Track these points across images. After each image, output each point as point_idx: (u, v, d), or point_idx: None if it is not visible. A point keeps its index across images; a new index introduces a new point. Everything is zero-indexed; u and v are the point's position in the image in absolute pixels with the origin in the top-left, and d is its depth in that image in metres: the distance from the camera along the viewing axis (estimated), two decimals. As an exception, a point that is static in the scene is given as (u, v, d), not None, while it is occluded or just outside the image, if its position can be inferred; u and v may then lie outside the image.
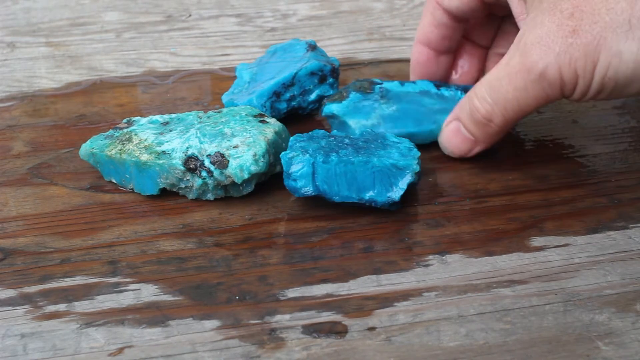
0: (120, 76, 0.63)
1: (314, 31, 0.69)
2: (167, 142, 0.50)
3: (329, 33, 0.69)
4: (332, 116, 0.53)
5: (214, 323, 0.42)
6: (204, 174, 0.48)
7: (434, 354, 0.41)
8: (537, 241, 0.48)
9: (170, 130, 0.51)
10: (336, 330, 0.42)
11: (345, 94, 0.54)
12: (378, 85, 0.54)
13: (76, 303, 0.43)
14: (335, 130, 0.53)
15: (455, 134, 0.51)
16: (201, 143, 0.49)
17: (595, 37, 0.44)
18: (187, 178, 0.49)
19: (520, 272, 0.45)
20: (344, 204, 0.49)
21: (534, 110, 0.48)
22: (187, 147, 0.49)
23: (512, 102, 0.48)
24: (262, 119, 0.51)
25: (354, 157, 0.48)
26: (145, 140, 0.50)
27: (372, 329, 0.42)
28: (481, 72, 0.57)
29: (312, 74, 0.55)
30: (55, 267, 0.46)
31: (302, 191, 0.48)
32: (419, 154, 0.49)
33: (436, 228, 0.48)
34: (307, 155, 0.48)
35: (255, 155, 0.48)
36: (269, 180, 0.50)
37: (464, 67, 0.57)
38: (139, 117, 0.53)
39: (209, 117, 0.51)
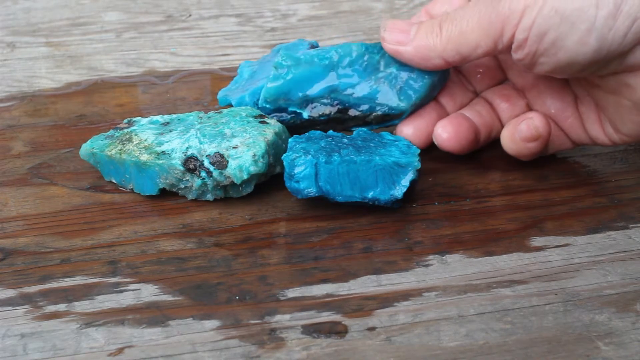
0: (120, 76, 0.63)
1: (314, 31, 0.69)
2: (167, 142, 0.50)
3: (329, 33, 0.69)
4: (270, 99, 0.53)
5: (214, 323, 0.42)
6: (203, 174, 0.48)
7: (434, 354, 0.41)
8: (537, 241, 0.48)
9: (171, 131, 0.51)
10: (336, 330, 0.42)
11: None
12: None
13: (76, 303, 0.43)
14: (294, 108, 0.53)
15: (404, 24, 0.50)
16: (201, 143, 0.49)
17: None
18: (187, 178, 0.49)
19: (520, 272, 0.46)
20: (345, 204, 0.49)
21: (472, 49, 0.47)
22: (187, 148, 0.49)
23: (462, 20, 0.47)
24: (262, 119, 0.51)
25: (356, 156, 0.48)
26: (146, 140, 0.50)
27: (372, 329, 0.42)
28: None
29: None
30: (55, 267, 0.46)
31: (305, 192, 0.48)
32: (418, 150, 0.49)
33: (436, 228, 0.48)
34: (310, 156, 0.48)
35: (254, 155, 0.48)
36: (269, 180, 0.50)
37: None
38: (139, 117, 0.53)
39: (209, 117, 0.51)
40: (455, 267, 0.46)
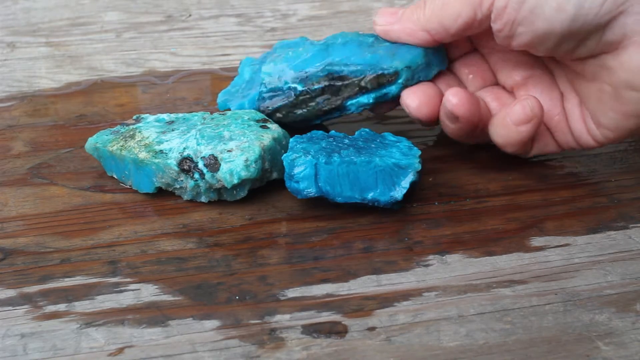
0: (120, 76, 0.63)
1: (314, 31, 0.69)
2: (167, 141, 0.50)
3: (329, 33, 0.69)
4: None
5: (214, 323, 0.42)
6: (196, 175, 0.48)
7: (434, 354, 0.41)
8: (537, 241, 0.48)
9: (173, 130, 0.51)
10: (336, 330, 0.42)
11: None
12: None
13: (76, 303, 0.43)
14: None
15: (395, 9, 0.52)
16: (198, 145, 0.49)
17: None
18: (181, 179, 0.49)
19: (520, 272, 0.46)
20: (345, 204, 0.49)
21: (454, 20, 0.49)
22: (184, 148, 0.49)
23: None
24: (263, 124, 0.51)
25: (356, 157, 0.48)
26: (147, 138, 0.50)
27: (372, 329, 0.42)
28: None
29: None
30: (55, 267, 0.46)
31: (305, 193, 0.48)
32: (419, 152, 0.49)
33: (436, 228, 0.48)
34: (310, 156, 0.48)
35: (247, 160, 0.48)
36: (269, 181, 0.50)
37: None
38: (147, 115, 0.53)
39: (212, 118, 0.51)
40: (455, 267, 0.46)
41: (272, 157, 0.49)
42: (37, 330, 0.42)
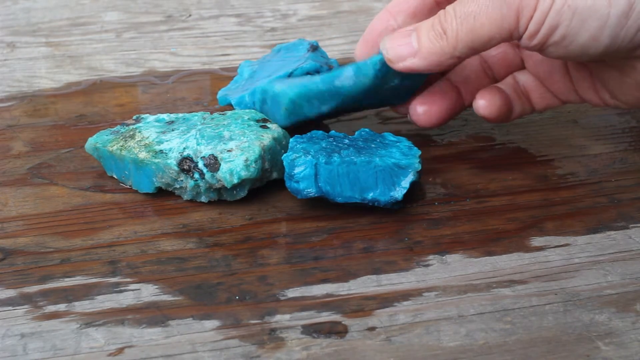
0: (120, 76, 0.63)
1: (314, 31, 0.69)
2: (167, 141, 0.50)
3: (329, 33, 0.69)
4: (264, 98, 0.52)
5: (214, 323, 0.42)
6: (196, 175, 0.48)
7: (434, 354, 0.41)
8: (537, 241, 0.48)
9: (173, 130, 0.51)
10: (336, 330, 0.42)
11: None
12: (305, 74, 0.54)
13: (76, 303, 0.43)
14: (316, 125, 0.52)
15: (403, 36, 0.48)
16: (198, 145, 0.49)
17: None
18: (181, 179, 0.49)
19: (520, 272, 0.45)
20: (345, 204, 0.49)
21: (486, 42, 0.46)
22: (184, 148, 0.49)
23: (469, 17, 0.46)
24: (263, 124, 0.51)
25: (356, 157, 0.48)
26: (147, 138, 0.50)
27: (372, 329, 0.42)
28: None
29: (307, 74, 0.55)
30: (55, 267, 0.46)
31: (305, 193, 0.48)
32: (419, 152, 0.49)
33: (436, 228, 0.48)
34: (310, 156, 0.48)
35: (247, 160, 0.48)
36: (269, 181, 0.50)
37: None
38: (147, 115, 0.53)
39: (212, 118, 0.51)
40: (455, 267, 0.46)
41: (272, 157, 0.49)
42: (37, 330, 0.42)
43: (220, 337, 0.42)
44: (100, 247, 0.47)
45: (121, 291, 0.44)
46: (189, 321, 0.42)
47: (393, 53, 0.48)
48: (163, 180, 0.49)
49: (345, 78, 0.50)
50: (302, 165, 0.48)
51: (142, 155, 0.49)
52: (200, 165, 0.48)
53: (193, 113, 0.52)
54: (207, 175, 0.48)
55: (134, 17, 0.71)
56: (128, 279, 0.45)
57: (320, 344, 0.41)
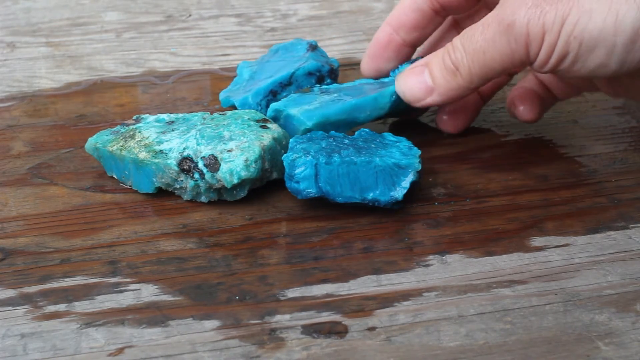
0: (120, 76, 0.63)
1: (314, 31, 0.69)
2: (167, 141, 0.50)
3: (329, 33, 0.69)
4: (276, 115, 0.52)
5: (214, 323, 0.42)
6: (196, 175, 0.48)
7: (434, 354, 0.41)
8: (537, 241, 0.48)
9: (173, 130, 0.51)
10: (336, 330, 0.42)
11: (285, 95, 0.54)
12: (317, 87, 0.54)
13: (76, 303, 0.43)
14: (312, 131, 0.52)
15: (416, 75, 0.49)
16: (198, 145, 0.49)
17: None
18: (181, 179, 0.49)
19: (520, 272, 0.46)
20: (345, 204, 0.49)
21: (500, 72, 0.47)
22: (184, 148, 0.49)
23: (479, 53, 0.47)
24: (263, 124, 0.51)
25: (356, 157, 0.48)
26: (147, 138, 0.50)
27: (372, 329, 0.42)
28: None
29: (309, 74, 0.55)
30: (55, 267, 0.46)
31: (305, 193, 0.48)
32: (419, 152, 0.49)
33: (436, 228, 0.48)
34: (310, 156, 0.48)
35: (247, 160, 0.48)
36: (269, 181, 0.50)
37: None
38: (147, 115, 0.53)
39: (212, 119, 0.51)
40: (455, 267, 0.46)
41: (272, 157, 0.49)
42: (37, 330, 0.42)
43: (220, 337, 0.42)
44: (100, 247, 0.47)
45: (121, 291, 0.44)
46: (189, 321, 0.42)
47: (410, 94, 0.50)
48: (163, 180, 0.49)
49: (363, 110, 0.51)
50: (303, 166, 0.48)
51: (142, 155, 0.49)
52: (200, 165, 0.48)
53: (193, 113, 0.52)
54: (207, 176, 0.48)
55: (134, 17, 0.71)
56: (128, 279, 0.45)
57: (320, 344, 0.41)
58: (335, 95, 0.52)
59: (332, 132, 0.50)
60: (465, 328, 0.42)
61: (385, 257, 0.46)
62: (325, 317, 0.43)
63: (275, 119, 0.52)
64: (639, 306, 0.43)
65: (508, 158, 0.54)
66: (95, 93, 0.61)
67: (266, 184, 0.50)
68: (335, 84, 0.54)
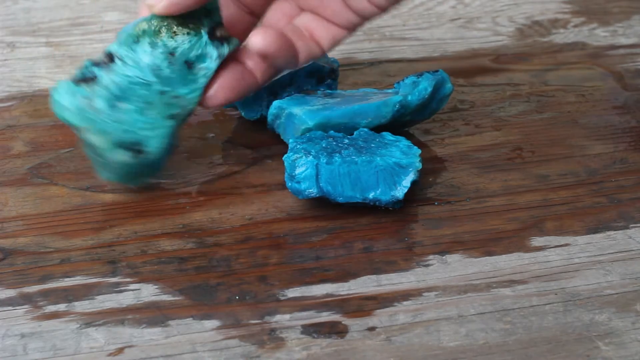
0: (120, 76, 0.63)
1: (314, 31, 0.69)
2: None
3: (329, 33, 0.68)
4: (278, 112, 0.52)
5: (214, 323, 0.42)
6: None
7: (434, 354, 0.41)
8: (537, 241, 0.48)
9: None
10: (336, 330, 0.42)
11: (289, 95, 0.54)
12: (321, 90, 0.54)
13: (76, 303, 0.43)
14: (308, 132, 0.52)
15: None
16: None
17: None
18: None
19: (520, 272, 0.46)
20: (345, 204, 0.49)
21: None
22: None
23: None
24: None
25: (357, 157, 0.48)
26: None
27: (372, 329, 0.42)
28: None
29: (310, 74, 0.55)
30: (55, 267, 0.46)
31: (306, 193, 0.48)
32: (419, 151, 0.49)
33: (436, 228, 0.48)
34: (311, 157, 0.48)
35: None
36: (269, 181, 0.50)
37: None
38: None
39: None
40: (455, 267, 0.46)
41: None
42: (37, 330, 0.42)
43: (220, 337, 0.42)
44: (100, 247, 0.47)
45: (121, 291, 0.44)
46: (189, 321, 0.42)
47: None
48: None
49: (365, 116, 0.52)
50: (304, 166, 0.48)
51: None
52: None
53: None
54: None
55: (134, 17, 0.71)
56: (128, 279, 0.45)
57: (320, 344, 0.41)
58: (339, 99, 0.53)
59: (332, 132, 0.50)
60: (465, 328, 0.42)
61: (385, 257, 0.46)
62: (325, 317, 0.43)
63: (276, 116, 0.52)
64: (639, 306, 0.43)
65: (508, 158, 0.54)
66: (95, 93, 0.61)
67: (266, 184, 0.50)
68: (339, 90, 0.55)
